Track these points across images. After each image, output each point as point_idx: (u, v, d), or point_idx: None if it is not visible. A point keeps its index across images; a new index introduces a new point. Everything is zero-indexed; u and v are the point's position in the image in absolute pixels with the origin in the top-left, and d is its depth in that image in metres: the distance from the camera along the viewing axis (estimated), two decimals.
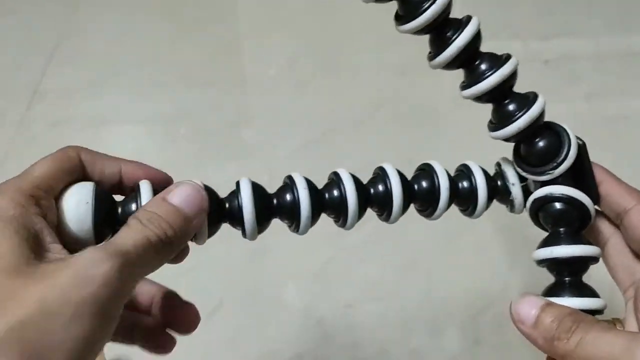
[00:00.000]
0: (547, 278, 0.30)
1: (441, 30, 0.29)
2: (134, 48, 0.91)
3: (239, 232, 0.30)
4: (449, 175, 0.32)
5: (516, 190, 0.31)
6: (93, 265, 0.23)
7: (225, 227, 0.30)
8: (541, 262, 0.30)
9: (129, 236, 0.25)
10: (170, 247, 0.26)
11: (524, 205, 0.32)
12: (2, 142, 0.77)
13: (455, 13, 0.29)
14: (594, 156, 0.31)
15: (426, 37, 0.29)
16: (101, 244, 0.25)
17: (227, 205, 0.30)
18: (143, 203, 0.28)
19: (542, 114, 0.29)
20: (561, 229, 0.30)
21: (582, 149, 0.30)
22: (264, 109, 0.82)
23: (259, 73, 0.88)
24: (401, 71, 0.84)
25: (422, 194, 0.31)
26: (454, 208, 0.32)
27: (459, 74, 0.30)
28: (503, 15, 0.93)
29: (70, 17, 0.96)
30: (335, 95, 0.81)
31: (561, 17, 0.94)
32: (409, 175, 0.32)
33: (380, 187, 0.31)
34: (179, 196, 0.27)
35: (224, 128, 0.78)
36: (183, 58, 0.88)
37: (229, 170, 0.71)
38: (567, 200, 0.29)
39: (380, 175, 0.31)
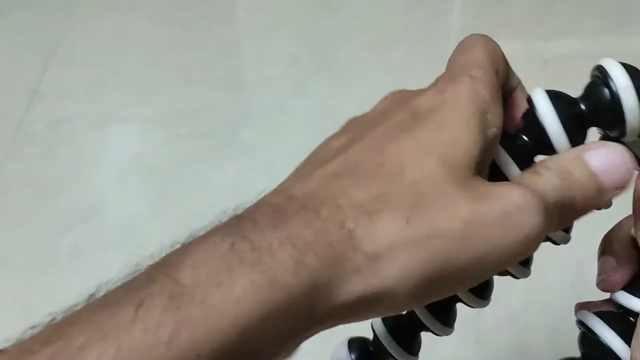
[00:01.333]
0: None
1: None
2: (134, 48, 0.91)
3: None
4: None
5: None
6: (525, 212, 0.20)
7: None
8: None
9: (548, 186, 0.21)
10: (570, 216, 0.23)
11: None
12: (2, 142, 0.77)
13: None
14: None
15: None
16: (521, 182, 0.22)
17: None
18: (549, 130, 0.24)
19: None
20: None
21: None
22: (264, 109, 0.81)
23: (259, 73, 0.88)
24: (401, 71, 0.84)
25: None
26: None
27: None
28: (503, 15, 0.93)
29: (70, 17, 0.96)
30: (336, 95, 0.81)
31: (561, 17, 0.94)
32: None
33: None
34: (598, 160, 0.23)
35: (224, 128, 0.78)
36: (183, 58, 0.88)
37: (229, 170, 0.71)
38: None
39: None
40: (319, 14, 0.96)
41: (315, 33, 0.93)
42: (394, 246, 0.19)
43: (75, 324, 0.17)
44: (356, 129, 0.24)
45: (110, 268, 0.22)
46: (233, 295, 0.17)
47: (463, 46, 0.25)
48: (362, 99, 0.31)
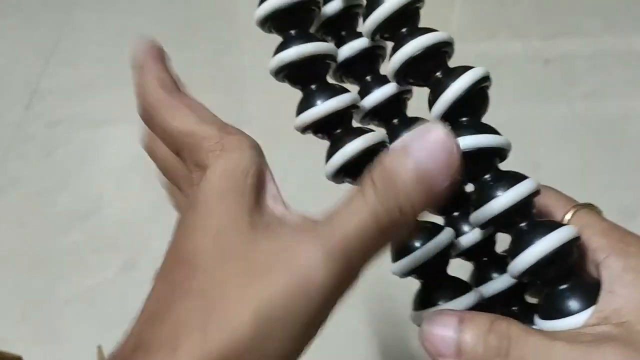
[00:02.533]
0: None
1: None
2: (133, 48, 0.91)
3: None
4: None
5: None
6: (312, 272, 0.19)
7: None
8: None
9: (354, 218, 0.20)
10: (403, 227, 0.20)
11: None
12: (1, 142, 0.77)
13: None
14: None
15: None
16: (319, 226, 0.20)
17: None
18: None
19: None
20: None
21: None
22: (264, 109, 0.81)
23: (259, 73, 0.88)
24: None
25: None
26: None
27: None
28: (503, 15, 0.93)
29: (70, 17, 0.96)
30: None
31: (561, 17, 0.94)
32: None
33: None
34: (423, 151, 0.19)
35: None
36: (183, 58, 0.88)
37: None
38: None
39: None
40: None
41: None
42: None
43: None
44: None
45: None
46: None
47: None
48: None
